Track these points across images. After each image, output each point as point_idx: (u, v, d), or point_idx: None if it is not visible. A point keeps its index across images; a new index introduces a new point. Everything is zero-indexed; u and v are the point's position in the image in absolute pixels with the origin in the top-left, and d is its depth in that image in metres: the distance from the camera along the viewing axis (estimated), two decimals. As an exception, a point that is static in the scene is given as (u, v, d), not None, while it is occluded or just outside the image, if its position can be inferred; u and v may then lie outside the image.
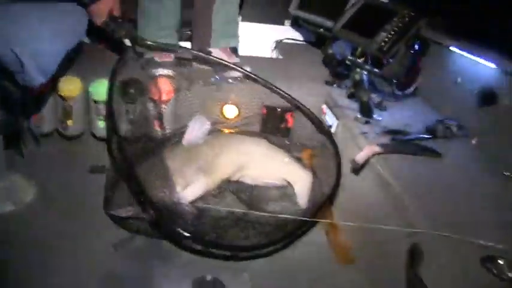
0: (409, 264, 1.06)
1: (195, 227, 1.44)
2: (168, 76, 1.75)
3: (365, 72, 1.63)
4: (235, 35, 2.11)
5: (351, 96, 1.85)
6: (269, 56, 2.47)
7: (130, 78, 1.69)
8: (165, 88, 1.71)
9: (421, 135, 1.60)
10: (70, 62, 1.71)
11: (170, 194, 1.47)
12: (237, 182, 1.73)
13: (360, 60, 1.79)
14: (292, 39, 2.48)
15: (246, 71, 1.74)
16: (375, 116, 1.69)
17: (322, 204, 1.51)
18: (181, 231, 1.31)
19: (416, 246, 1.13)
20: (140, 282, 1.31)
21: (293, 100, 1.79)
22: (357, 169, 1.45)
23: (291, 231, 1.46)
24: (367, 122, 1.67)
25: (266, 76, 1.95)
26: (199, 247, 1.38)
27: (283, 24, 2.50)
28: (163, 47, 1.72)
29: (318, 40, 2.42)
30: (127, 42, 1.54)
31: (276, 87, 1.73)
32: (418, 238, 1.15)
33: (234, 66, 1.75)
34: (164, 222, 1.35)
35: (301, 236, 1.53)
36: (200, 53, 1.77)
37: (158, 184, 1.47)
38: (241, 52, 2.27)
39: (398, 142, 1.54)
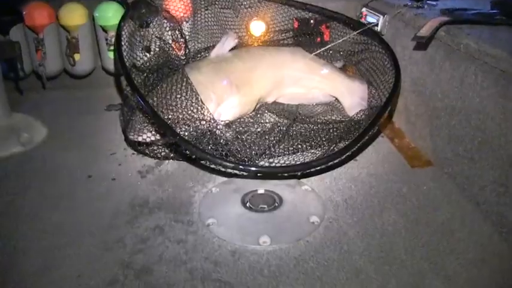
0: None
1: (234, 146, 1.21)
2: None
3: None
4: None
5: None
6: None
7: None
8: (181, 4, 1.47)
9: (490, 11, 1.32)
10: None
11: (202, 113, 1.24)
12: (275, 103, 1.49)
13: None
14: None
15: None
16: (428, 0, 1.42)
17: (382, 111, 1.24)
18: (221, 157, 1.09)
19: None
20: (176, 203, 1.08)
21: (324, 10, 1.56)
22: (423, 43, 1.17)
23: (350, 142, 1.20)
24: (419, 7, 1.40)
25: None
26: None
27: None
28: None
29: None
30: None
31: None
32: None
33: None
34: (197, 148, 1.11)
35: (360, 148, 1.29)
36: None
37: (185, 104, 1.25)
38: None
39: (469, 13, 1.26)
